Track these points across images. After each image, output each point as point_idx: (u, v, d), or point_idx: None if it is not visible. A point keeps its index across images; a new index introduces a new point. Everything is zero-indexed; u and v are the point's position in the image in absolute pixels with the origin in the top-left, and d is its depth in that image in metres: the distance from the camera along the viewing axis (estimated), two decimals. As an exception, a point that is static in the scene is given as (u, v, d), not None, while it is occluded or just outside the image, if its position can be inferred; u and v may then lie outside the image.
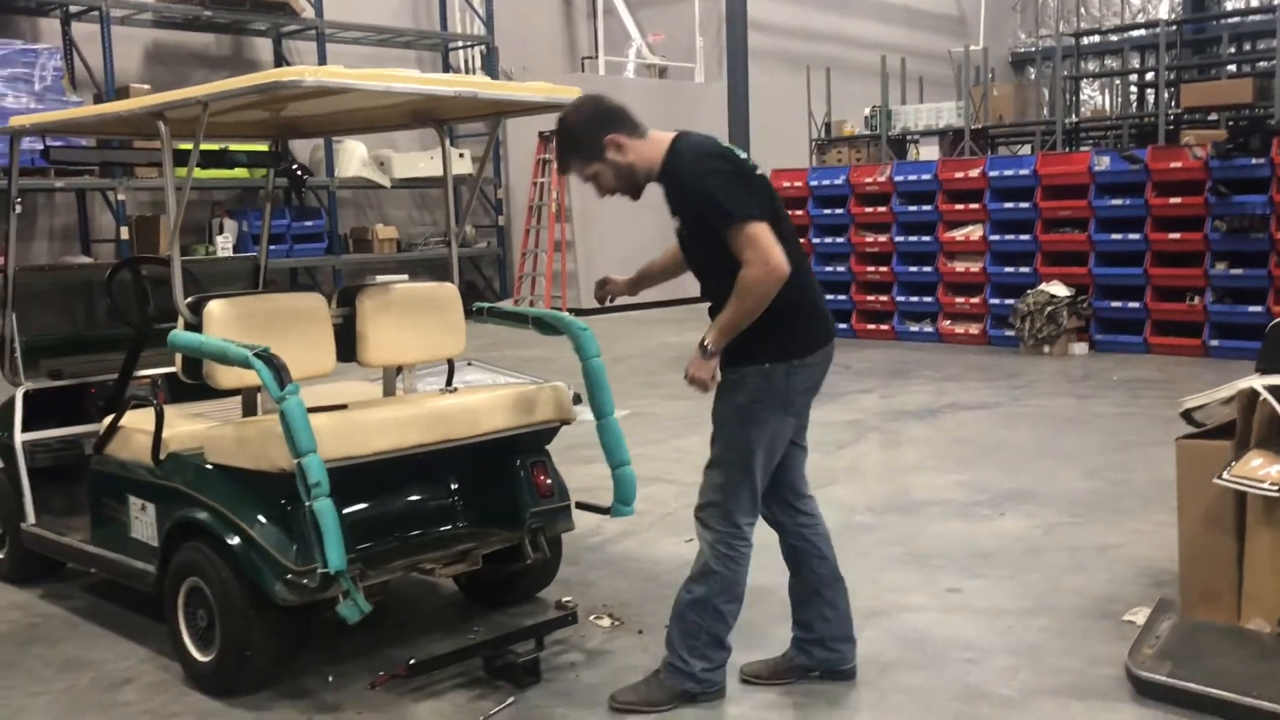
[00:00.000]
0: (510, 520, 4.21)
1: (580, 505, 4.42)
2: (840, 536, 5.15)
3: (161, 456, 4.06)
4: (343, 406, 3.95)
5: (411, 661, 3.73)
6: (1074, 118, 16.40)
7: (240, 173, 13.42)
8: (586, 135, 3.53)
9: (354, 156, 15.48)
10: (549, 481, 4.31)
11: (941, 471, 6.52)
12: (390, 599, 4.44)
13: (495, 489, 4.26)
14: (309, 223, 14.91)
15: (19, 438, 4.81)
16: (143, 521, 4.16)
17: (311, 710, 3.66)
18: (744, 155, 3.56)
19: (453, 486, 4.28)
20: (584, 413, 4.38)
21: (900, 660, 3.92)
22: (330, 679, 3.88)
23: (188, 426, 4.15)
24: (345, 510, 3.57)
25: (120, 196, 13.10)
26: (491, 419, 4.06)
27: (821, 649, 3.75)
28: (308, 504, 3.43)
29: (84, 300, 5.21)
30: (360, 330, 4.41)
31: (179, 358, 4.02)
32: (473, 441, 4.01)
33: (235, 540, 3.70)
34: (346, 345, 4.41)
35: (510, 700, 3.66)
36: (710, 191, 3.37)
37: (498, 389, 4.35)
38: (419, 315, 4.54)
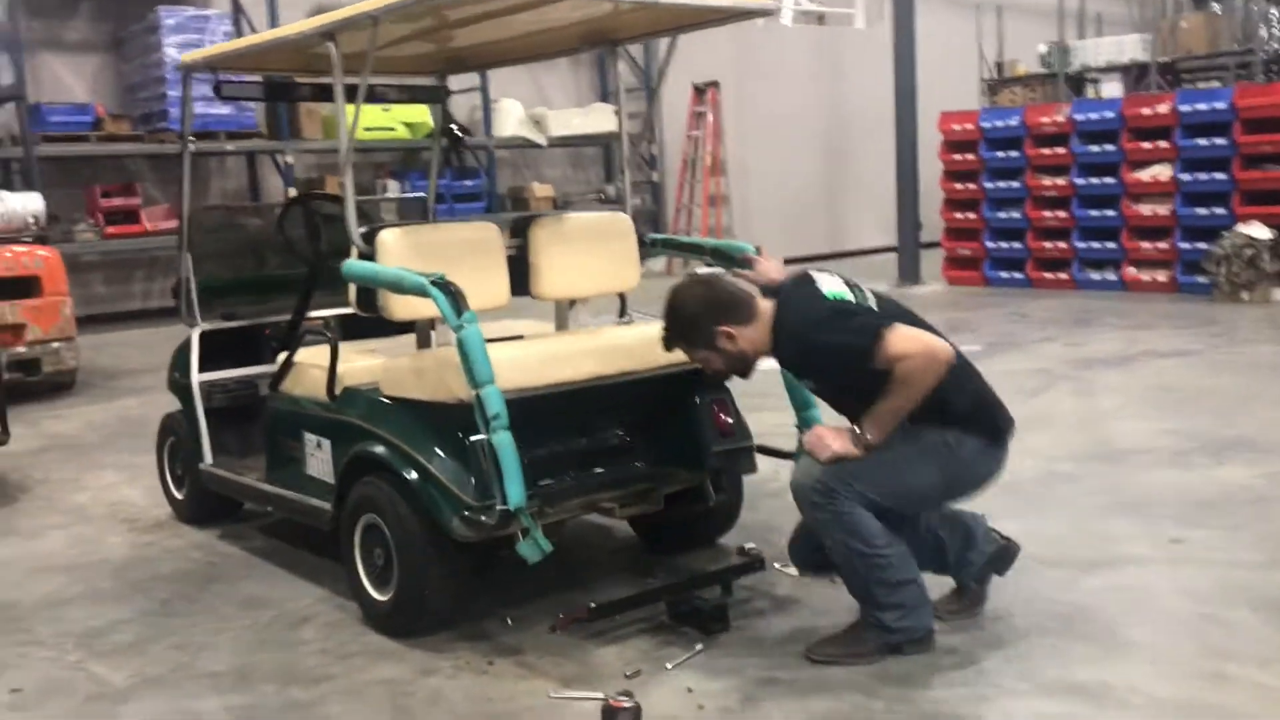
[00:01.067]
0: (691, 460, 3.97)
1: (763, 449, 4.15)
2: (1040, 486, 4.83)
3: (337, 391, 3.97)
4: (518, 338, 3.77)
5: (593, 605, 3.55)
6: (1275, 46, 15.18)
7: (402, 133, 13.53)
8: (696, 324, 3.38)
9: (511, 116, 15.43)
10: (730, 420, 4.06)
11: (1144, 419, 6.04)
12: (566, 542, 4.28)
13: (675, 427, 4.03)
14: (468, 182, 14.93)
15: (195, 378, 4.80)
16: (318, 459, 4.08)
17: (492, 653, 3.51)
18: (857, 293, 3.38)
19: (631, 424, 4.08)
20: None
21: (1131, 614, 3.54)
22: (510, 621, 3.73)
23: (363, 361, 4.05)
24: (522, 446, 3.40)
25: (288, 159, 13.34)
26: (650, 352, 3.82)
27: (966, 565, 3.55)
28: (486, 437, 3.26)
29: (258, 241, 5.17)
30: (534, 262, 4.23)
31: (353, 290, 3.90)
32: (651, 375, 3.79)
33: (412, 475, 3.56)
34: (520, 278, 4.23)
35: (698, 648, 3.44)
36: (829, 342, 3.22)
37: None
38: (593, 246, 4.33)
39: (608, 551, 4.51)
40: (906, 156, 12.31)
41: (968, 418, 3.32)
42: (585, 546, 4.55)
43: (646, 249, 4.49)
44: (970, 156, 12.40)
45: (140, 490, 5.58)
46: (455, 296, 3.31)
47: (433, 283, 3.34)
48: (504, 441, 3.24)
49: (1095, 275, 11.57)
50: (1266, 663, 3.17)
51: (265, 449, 4.43)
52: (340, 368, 3.99)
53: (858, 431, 3.23)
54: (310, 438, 4.12)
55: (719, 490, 3.97)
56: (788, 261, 4.02)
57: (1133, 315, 9.73)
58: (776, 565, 3.95)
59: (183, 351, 4.93)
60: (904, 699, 3.06)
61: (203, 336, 4.88)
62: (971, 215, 12.43)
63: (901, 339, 3.14)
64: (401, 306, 3.77)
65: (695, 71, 15.30)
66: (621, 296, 4.60)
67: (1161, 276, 11.05)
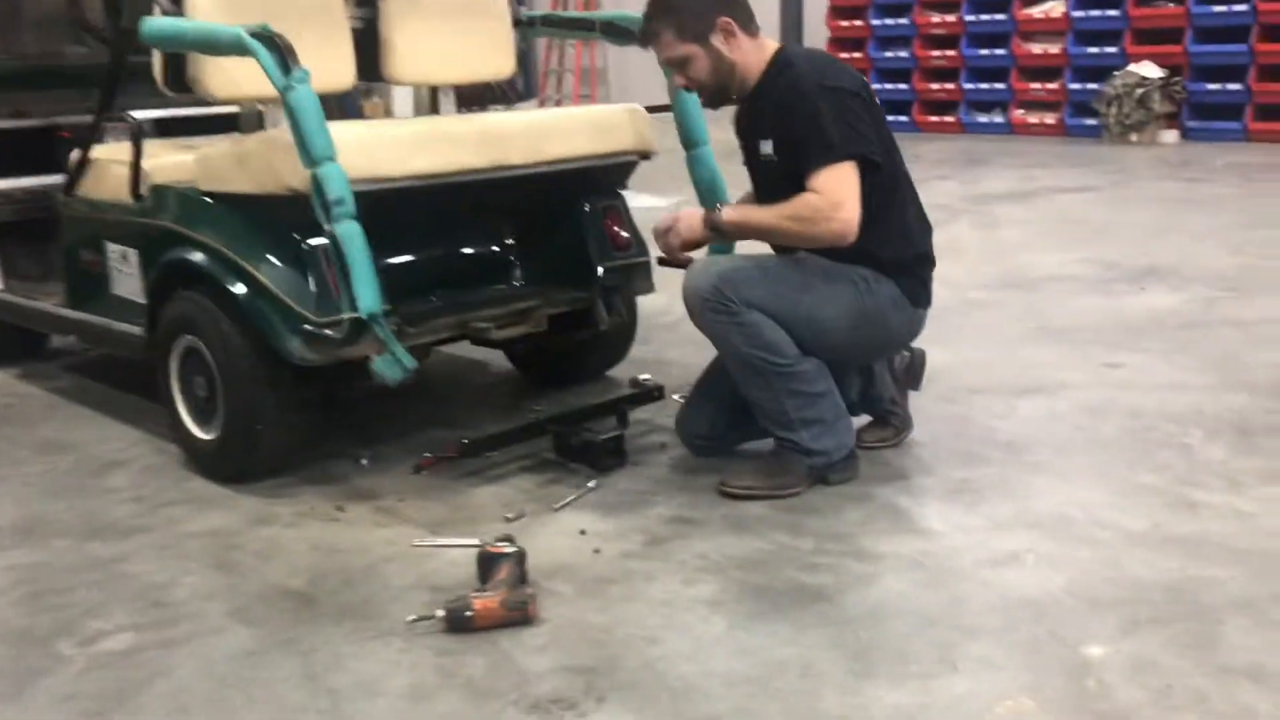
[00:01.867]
0: (579, 277, 3.38)
1: (663, 262, 3.57)
2: (956, 313, 4.39)
3: (143, 191, 3.23)
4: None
5: (465, 440, 2.98)
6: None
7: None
8: (698, 6, 2.75)
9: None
10: (624, 234, 3.47)
11: (1056, 250, 5.65)
12: (432, 376, 3.68)
13: (560, 239, 3.43)
14: None
15: (-23, 187, 3.99)
16: (124, 273, 3.36)
17: (341, 497, 2.92)
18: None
19: (509, 234, 3.45)
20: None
21: (1078, 442, 3.13)
22: (364, 462, 3.14)
23: (175, 156, 3.30)
24: (377, 255, 2.77)
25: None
26: (558, 143, 3.19)
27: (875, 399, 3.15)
28: (328, 228, 2.60)
29: (50, 21, 4.29)
30: (386, 37, 3.50)
31: (157, 63, 3.15)
32: (534, 171, 3.15)
33: (238, 287, 2.89)
34: (368, 59, 3.52)
35: (591, 485, 2.91)
36: (820, 112, 2.67)
37: (562, 108, 3.45)
38: (459, 22, 3.61)
39: (481, 387, 3.93)
40: (791, -6, 11.65)
41: (895, 266, 2.83)
42: (455, 382, 3.95)
43: (523, 29, 3.80)
44: (857, -8, 11.80)
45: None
46: (282, 50, 2.60)
47: (252, 34, 2.62)
48: (350, 232, 2.59)
49: (982, 118, 11.19)
50: (1237, 486, 2.78)
51: (62, 267, 3.67)
52: (147, 163, 3.25)
53: (715, 212, 2.81)
54: (114, 249, 3.39)
55: (611, 312, 3.39)
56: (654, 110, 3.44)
57: (1024, 155, 9.38)
58: (676, 396, 3.42)
59: (-39, 155, 4.09)
60: (835, 536, 2.58)
61: (-15, 137, 4.04)
62: (858, 55, 11.88)
63: (843, 184, 2.64)
64: (219, 80, 3.05)
65: None
66: (498, 89, 3.92)
67: (1050, 119, 10.72)
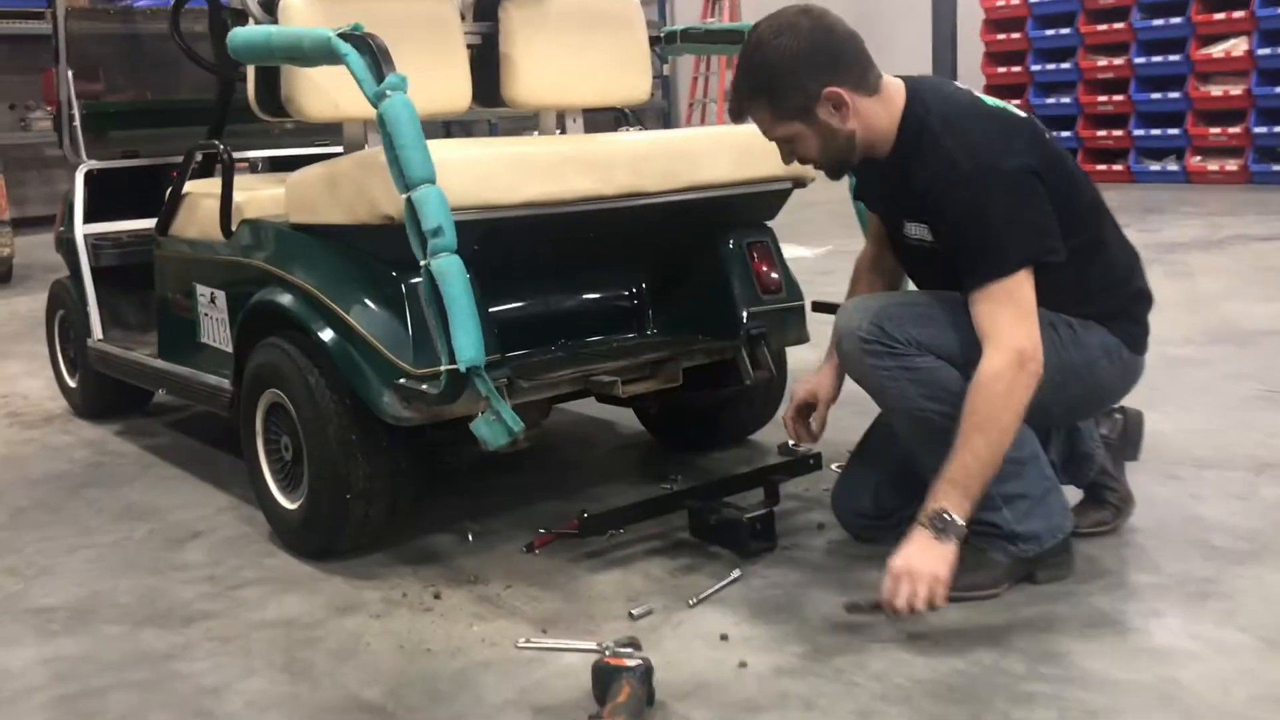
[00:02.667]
0: (720, 324, 2.90)
1: (820, 306, 3.07)
2: (1162, 371, 3.75)
3: (233, 227, 2.89)
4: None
5: (585, 514, 2.51)
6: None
7: None
8: (793, 75, 2.16)
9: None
10: (774, 275, 2.97)
11: (1264, 300, 4.94)
12: (551, 438, 3.24)
13: (700, 279, 2.95)
14: None
15: (80, 230, 3.72)
16: (213, 319, 3.02)
17: (440, 580, 2.47)
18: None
19: (640, 274, 3.00)
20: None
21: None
22: (470, 537, 2.70)
23: (269, 190, 2.95)
24: (487, 300, 2.35)
25: None
26: (699, 167, 2.72)
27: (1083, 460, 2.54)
28: (424, 262, 2.18)
29: (162, 55, 4.05)
30: (506, 53, 3.12)
31: (251, 85, 2.81)
32: (671, 200, 2.69)
33: (327, 332, 2.50)
34: (486, 79, 3.13)
35: (735, 574, 2.39)
36: (985, 206, 2.11)
37: (704, 128, 3.00)
38: (589, 37, 3.20)
39: (606, 452, 3.46)
40: (944, 38, 11.06)
41: (1106, 313, 2.29)
42: (577, 446, 3.50)
43: (663, 47, 3.37)
44: (1016, 36, 11.14)
45: (43, 381, 4.54)
46: (375, 53, 2.20)
47: (340, 35, 2.23)
48: (449, 269, 2.15)
49: (1154, 166, 10.36)
50: None
51: (156, 314, 3.37)
52: (240, 196, 2.91)
53: (940, 513, 2.06)
54: (203, 292, 3.05)
55: (757, 365, 2.90)
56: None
57: (1205, 204, 8.57)
58: (834, 466, 2.89)
59: (66, 198, 3.86)
60: (1052, 656, 2.00)
61: (91, 177, 3.80)
62: (1016, 102, 11.19)
63: (1013, 313, 2.09)
64: (313, 98, 2.69)
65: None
66: (633, 116, 3.49)
67: (1231, 165, 9.84)
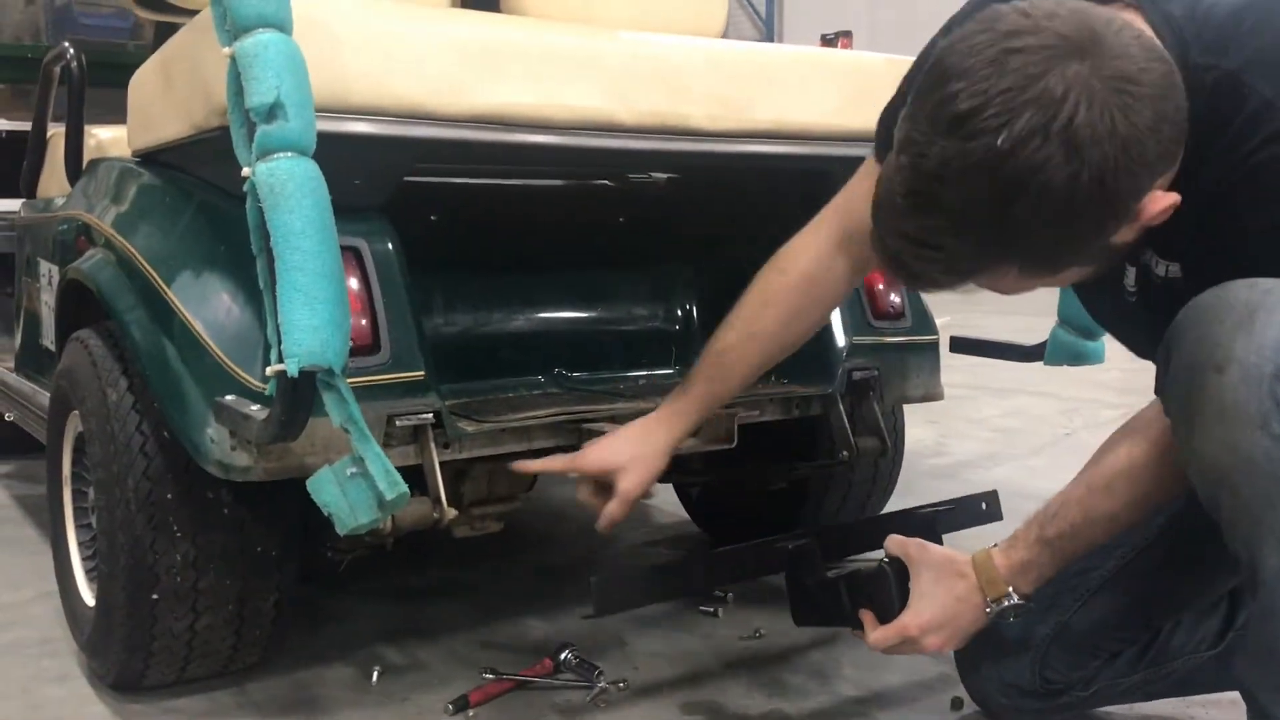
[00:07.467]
0: (806, 361, 1.80)
1: (961, 345, 1.98)
2: None
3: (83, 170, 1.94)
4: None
5: (567, 654, 1.46)
6: None
7: None
8: (1073, 228, 1.03)
9: None
10: (895, 296, 1.89)
11: None
12: (534, 521, 2.20)
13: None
14: None
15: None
16: (49, 308, 2.05)
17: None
18: None
19: (682, 275, 1.96)
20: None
21: None
22: (375, 677, 1.64)
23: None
24: (445, 300, 1.35)
25: None
26: (790, 100, 1.67)
27: None
28: (246, 173, 1.16)
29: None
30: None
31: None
32: (736, 149, 1.64)
33: (137, 317, 1.50)
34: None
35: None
36: None
37: (794, 46, 1.94)
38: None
39: (624, 547, 2.38)
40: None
41: None
42: (575, 533, 2.43)
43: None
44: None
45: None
46: None
47: None
48: (290, 178, 1.13)
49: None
50: None
51: (15, 309, 2.42)
52: (108, 131, 1.96)
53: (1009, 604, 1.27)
54: (44, 271, 2.10)
55: (859, 430, 1.81)
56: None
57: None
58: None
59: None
60: None
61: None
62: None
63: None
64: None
65: (823, 21, 13.02)
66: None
67: None
